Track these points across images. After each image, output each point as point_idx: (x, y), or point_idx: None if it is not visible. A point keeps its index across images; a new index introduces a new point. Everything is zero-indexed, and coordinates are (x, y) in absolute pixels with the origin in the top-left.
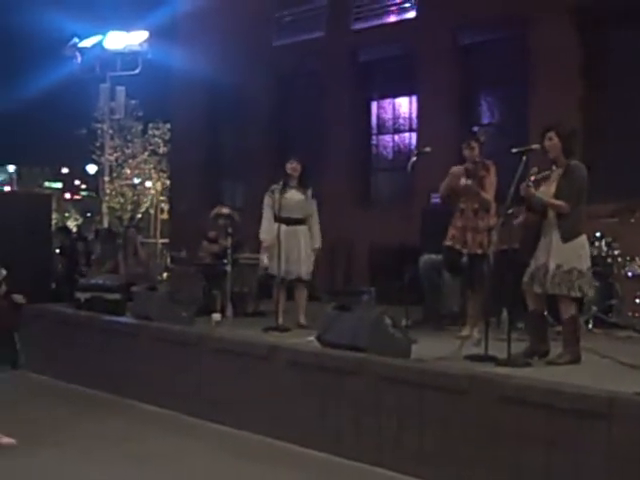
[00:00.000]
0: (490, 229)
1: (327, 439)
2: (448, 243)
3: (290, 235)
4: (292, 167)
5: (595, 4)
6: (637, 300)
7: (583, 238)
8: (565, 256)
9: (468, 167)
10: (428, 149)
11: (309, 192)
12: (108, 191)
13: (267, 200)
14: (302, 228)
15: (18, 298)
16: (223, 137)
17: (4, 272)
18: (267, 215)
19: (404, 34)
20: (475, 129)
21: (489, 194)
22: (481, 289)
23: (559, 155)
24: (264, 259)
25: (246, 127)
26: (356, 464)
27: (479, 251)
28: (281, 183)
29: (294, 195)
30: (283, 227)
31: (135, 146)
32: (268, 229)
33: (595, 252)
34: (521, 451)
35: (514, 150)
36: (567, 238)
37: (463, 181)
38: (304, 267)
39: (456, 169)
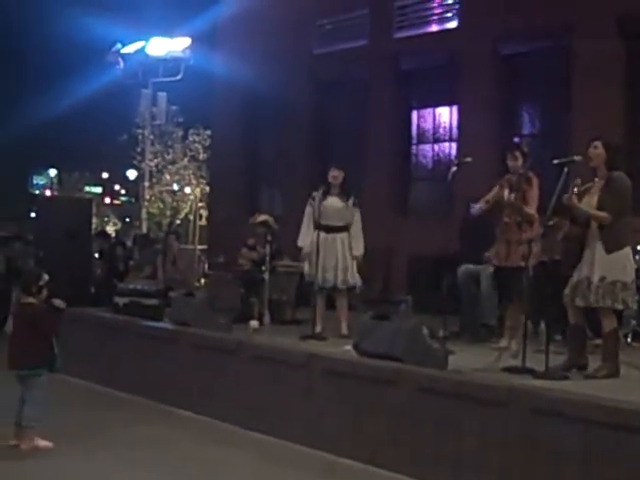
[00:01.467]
0: (530, 241)
1: (363, 449)
2: (495, 263)
3: (329, 243)
4: (333, 175)
5: (639, 13)
6: None
7: (627, 250)
8: (609, 268)
9: (511, 179)
10: (469, 159)
11: (351, 200)
12: (148, 197)
13: (308, 207)
14: (341, 236)
15: (58, 303)
16: (263, 144)
17: (46, 277)
18: (306, 222)
19: (446, 43)
20: (516, 140)
21: (531, 207)
22: (522, 301)
23: (601, 165)
24: (304, 266)
25: (286, 134)
26: (392, 474)
27: (522, 263)
28: (321, 190)
29: (334, 203)
30: (322, 234)
31: (175, 152)
32: (306, 236)
33: (635, 265)
34: (558, 464)
35: (556, 161)
36: (610, 250)
37: (506, 195)
38: (341, 276)
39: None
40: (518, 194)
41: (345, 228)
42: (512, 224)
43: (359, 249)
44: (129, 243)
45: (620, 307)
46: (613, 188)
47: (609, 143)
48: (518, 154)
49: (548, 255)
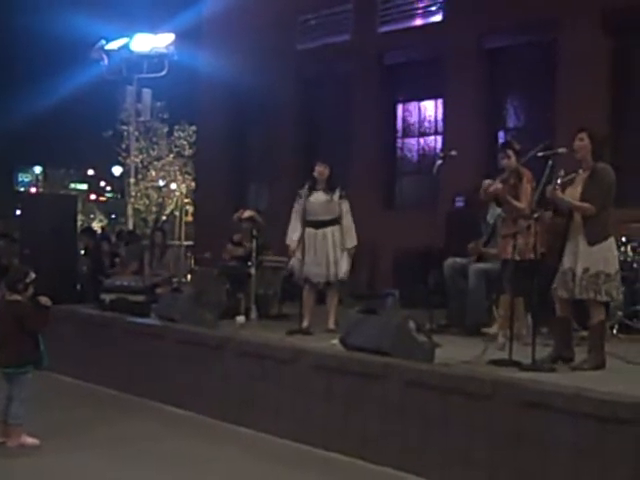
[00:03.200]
0: (515, 234)
1: (351, 443)
2: (504, 256)
3: (319, 238)
4: (319, 170)
5: (624, 8)
6: None
7: (610, 241)
8: (592, 260)
9: (504, 177)
10: (454, 153)
11: (336, 193)
12: (133, 193)
13: (295, 205)
14: (331, 230)
15: (44, 300)
16: (248, 139)
17: (33, 275)
18: (293, 220)
19: (430, 37)
20: (501, 136)
21: (522, 201)
22: (519, 293)
23: (586, 156)
24: (291, 263)
25: (271, 130)
26: (380, 468)
27: (517, 257)
28: (307, 187)
29: (319, 197)
30: (311, 230)
31: (161, 148)
32: (293, 234)
33: (621, 257)
34: (545, 456)
35: (540, 154)
36: (593, 241)
37: (495, 185)
38: (333, 269)
39: (487, 182)
40: (509, 189)
41: (334, 221)
42: (508, 219)
43: (351, 242)
44: (114, 239)
45: (603, 299)
46: (597, 180)
47: (595, 134)
48: (510, 152)
49: (534, 247)
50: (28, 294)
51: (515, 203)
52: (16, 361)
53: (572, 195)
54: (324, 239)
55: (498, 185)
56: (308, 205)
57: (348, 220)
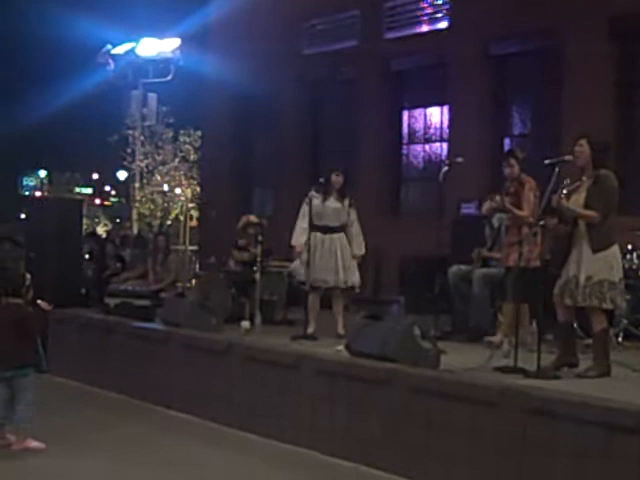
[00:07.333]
0: (520, 242)
1: (355, 449)
2: (508, 264)
3: (327, 243)
4: (337, 179)
5: (630, 14)
6: None
7: (615, 249)
8: (596, 267)
9: (506, 186)
10: (460, 159)
11: (346, 201)
12: (138, 197)
13: (304, 207)
14: (338, 236)
15: (44, 305)
16: (254, 144)
17: (28, 275)
18: (301, 222)
19: (436, 44)
20: (507, 144)
21: (524, 210)
22: (524, 300)
23: (587, 163)
24: (294, 265)
25: (276, 135)
26: (384, 474)
27: (521, 264)
28: (322, 192)
29: (332, 204)
30: (319, 235)
31: (166, 153)
32: (301, 236)
33: (626, 265)
34: (551, 464)
35: (547, 162)
36: (598, 249)
37: (498, 198)
38: (342, 276)
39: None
40: (512, 197)
41: (341, 228)
42: (513, 227)
43: (360, 249)
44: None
45: (608, 307)
46: (600, 187)
47: (594, 141)
48: (513, 161)
49: (540, 254)
50: (29, 297)
51: (517, 211)
52: (16, 364)
53: (576, 202)
54: (332, 245)
55: (497, 198)
56: (322, 210)
57: (357, 228)
